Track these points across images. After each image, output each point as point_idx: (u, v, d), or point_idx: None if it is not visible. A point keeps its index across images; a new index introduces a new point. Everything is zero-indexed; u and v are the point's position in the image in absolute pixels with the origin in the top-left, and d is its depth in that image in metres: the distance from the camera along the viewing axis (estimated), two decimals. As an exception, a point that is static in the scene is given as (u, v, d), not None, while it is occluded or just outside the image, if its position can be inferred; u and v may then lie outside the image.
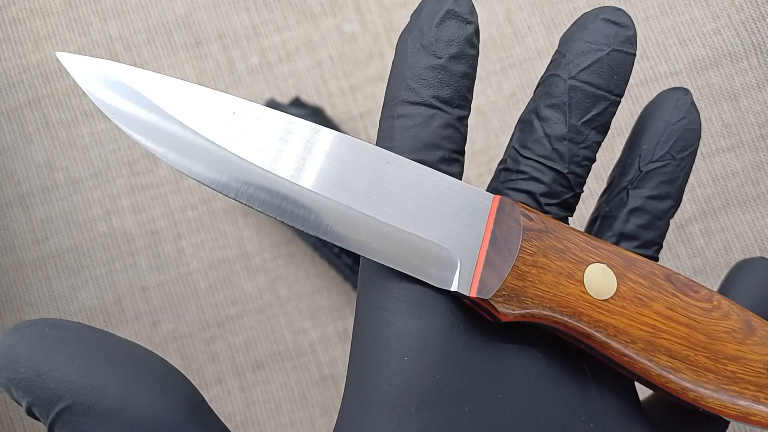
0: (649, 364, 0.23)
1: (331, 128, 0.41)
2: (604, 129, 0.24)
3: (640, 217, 0.25)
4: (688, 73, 0.41)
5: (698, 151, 0.41)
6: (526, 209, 0.23)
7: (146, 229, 0.41)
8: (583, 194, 0.41)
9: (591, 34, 0.24)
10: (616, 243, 0.25)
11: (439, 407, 0.21)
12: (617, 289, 0.23)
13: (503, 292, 0.22)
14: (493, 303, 0.22)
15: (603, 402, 0.24)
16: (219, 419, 0.23)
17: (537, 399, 0.23)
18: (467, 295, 0.22)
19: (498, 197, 0.23)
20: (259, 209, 0.22)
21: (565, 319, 0.22)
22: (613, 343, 0.23)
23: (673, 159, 0.25)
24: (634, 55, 0.25)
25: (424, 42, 0.23)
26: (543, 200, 0.24)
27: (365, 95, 0.42)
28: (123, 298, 0.40)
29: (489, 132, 0.41)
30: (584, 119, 0.24)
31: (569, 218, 0.25)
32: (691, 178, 0.41)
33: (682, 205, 0.40)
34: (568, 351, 0.24)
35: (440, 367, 0.22)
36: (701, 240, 0.41)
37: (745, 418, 0.23)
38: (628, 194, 0.25)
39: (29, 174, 0.41)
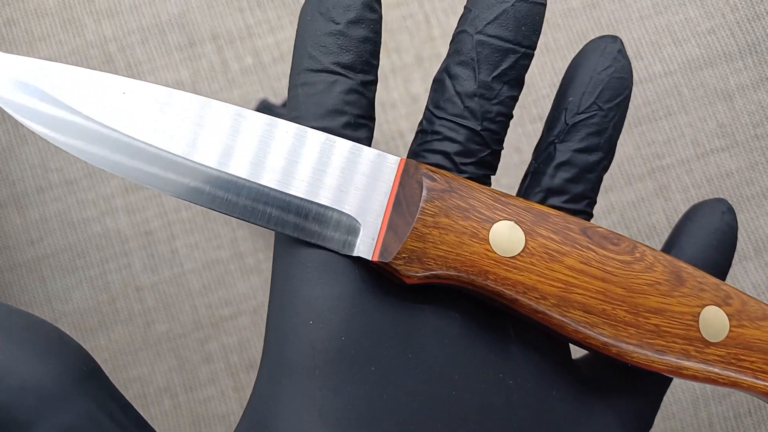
0: (563, 319, 0.23)
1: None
2: (517, 83, 0.24)
3: (567, 171, 0.25)
4: (683, 72, 0.41)
5: (693, 152, 0.41)
6: (430, 170, 0.23)
7: (140, 229, 0.41)
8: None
9: None
10: (545, 198, 0.25)
11: (344, 368, 0.22)
12: (525, 246, 0.23)
13: (403, 255, 0.22)
14: (394, 266, 0.22)
15: (526, 360, 0.24)
16: (117, 391, 0.23)
17: (450, 357, 0.23)
18: (370, 259, 0.22)
19: (403, 160, 0.23)
20: (158, 189, 0.22)
21: (472, 278, 0.22)
22: (524, 300, 0.23)
23: (600, 109, 0.25)
24: (543, 5, 0.24)
25: (321, 9, 0.23)
26: (458, 159, 0.24)
27: (359, 95, 0.42)
28: (117, 298, 0.40)
29: (483, 132, 0.41)
30: (494, 74, 0.23)
31: (491, 177, 0.25)
32: (685, 179, 0.41)
33: (675, 204, 0.40)
34: (490, 311, 0.24)
35: (345, 329, 0.22)
36: (695, 240, 0.40)
37: (677, 372, 0.23)
38: (555, 148, 0.25)
39: (24, 175, 0.41)
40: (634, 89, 0.41)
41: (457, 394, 0.23)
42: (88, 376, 0.22)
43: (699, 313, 0.23)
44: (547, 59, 0.41)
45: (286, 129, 0.23)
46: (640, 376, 0.25)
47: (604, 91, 0.25)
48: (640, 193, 0.41)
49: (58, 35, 0.42)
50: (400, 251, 0.22)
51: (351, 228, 0.22)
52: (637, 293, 0.23)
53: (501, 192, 0.23)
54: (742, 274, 0.40)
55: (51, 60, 0.41)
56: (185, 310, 0.40)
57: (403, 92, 0.42)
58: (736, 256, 0.40)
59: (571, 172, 0.25)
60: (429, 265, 0.22)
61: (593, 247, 0.23)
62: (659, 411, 0.39)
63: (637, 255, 0.23)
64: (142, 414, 0.39)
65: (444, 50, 0.42)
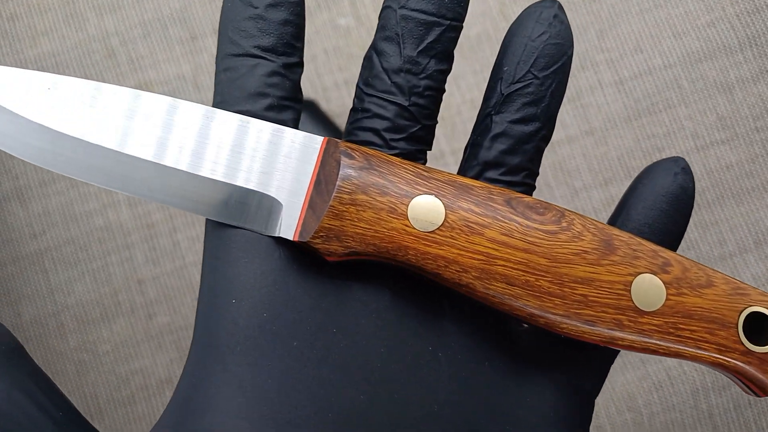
0: (487, 292, 0.23)
1: (324, 122, 0.41)
2: (444, 57, 0.24)
3: (503, 142, 0.24)
4: (683, 65, 0.41)
5: (693, 144, 0.41)
6: (350, 148, 0.23)
7: (142, 222, 0.41)
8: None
9: None
10: (482, 171, 0.24)
11: (264, 344, 0.22)
12: (445, 220, 0.22)
13: (321, 234, 0.22)
14: (313, 245, 0.22)
15: (459, 332, 0.24)
16: (42, 373, 0.23)
17: (378, 331, 0.23)
18: (291, 239, 0.23)
19: (326, 139, 0.23)
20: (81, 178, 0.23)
21: (392, 254, 0.22)
22: (446, 274, 0.22)
23: (536, 78, 0.24)
24: None
25: None
26: (388, 136, 0.24)
27: (360, 89, 0.42)
28: (119, 291, 0.41)
29: (483, 125, 0.41)
30: (420, 48, 0.23)
31: (427, 152, 0.25)
32: (686, 171, 0.41)
33: (676, 197, 0.41)
34: (426, 286, 0.24)
35: (267, 306, 0.22)
36: (695, 233, 0.41)
37: (611, 343, 0.23)
38: (491, 120, 0.24)
39: (27, 168, 0.41)
40: (634, 82, 0.41)
41: (383, 366, 0.23)
42: (7, 355, 0.23)
43: (631, 282, 0.23)
44: (547, 52, 0.42)
45: (207, 115, 0.23)
46: (582, 347, 0.25)
47: (539, 58, 0.24)
48: (640, 185, 0.41)
49: (60, 30, 0.42)
50: (317, 230, 0.22)
51: (273, 209, 0.23)
52: (562, 263, 0.22)
53: (425, 167, 0.23)
54: (743, 265, 0.40)
55: (54, 55, 0.42)
56: (187, 303, 0.41)
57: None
58: (736, 247, 0.40)
59: (507, 144, 0.24)
60: (348, 242, 0.22)
61: (516, 218, 0.23)
62: (659, 403, 0.39)
63: (564, 224, 0.23)
64: (144, 406, 0.40)
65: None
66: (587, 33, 0.42)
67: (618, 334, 0.23)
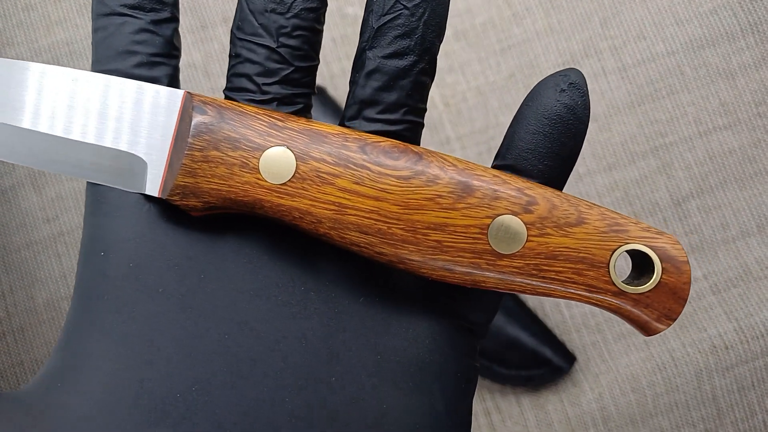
0: (342, 241, 0.22)
1: (333, 108, 0.42)
2: None
3: (377, 79, 0.23)
4: (685, 52, 0.42)
5: (695, 130, 0.41)
6: (203, 101, 0.23)
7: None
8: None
9: None
10: (359, 111, 0.24)
11: (131, 291, 0.23)
12: (296, 171, 0.22)
13: (177, 191, 0.23)
14: (172, 201, 0.23)
15: (335, 272, 0.24)
16: None
17: (247, 274, 0.24)
18: (156, 196, 0.23)
19: (185, 93, 0.23)
20: None
21: (249, 207, 0.23)
22: (302, 225, 0.23)
23: (405, 8, 0.23)
24: None
25: None
26: (260, 81, 0.23)
27: (367, 76, 0.42)
28: (131, 274, 0.41)
29: (488, 112, 0.42)
30: None
31: (311, 95, 0.24)
32: (688, 156, 0.41)
33: (678, 182, 0.41)
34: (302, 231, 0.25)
35: (133, 258, 0.23)
36: (698, 217, 0.41)
37: (476, 284, 0.22)
38: (365, 56, 0.24)
39: (41, 154, 0.42)
40: (637, 69, 0.42)
41: (249, 306, 0.23)
42: None
43: (488, 225, 0.22)
44: (551, 40, 0.42)
45: (73, 77, 0.23)
46: (461, 290, 0.25)
47: None
48: (643, 170, 0.41)
49: (74, 19, 0.43)
50: (173, 188, 0.23)
51: (138, 168, 0.23)
52: (414, 209, 0.22)
53: (281, 115, 0.23)
54: (745, 249, 0.41)
55: (68, 43, 0.42)
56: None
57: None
58: (739, 231, 0.41)
59: (381, 81, 0.23)
60: (205, 198, 0.23)
61: (369, 165, 0.22)
62: (662, 384, 0.39)
63: (419, 168, 0.22)
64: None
65: (449, 31, 0.42)
66: (591, 21, 0.42)
67: (479, 276, 0.22)
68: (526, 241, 0.22)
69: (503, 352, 0.39)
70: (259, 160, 0.22)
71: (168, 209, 0.24)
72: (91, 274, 0.23)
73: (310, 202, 0.22)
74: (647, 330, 0.23)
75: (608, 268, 0.22)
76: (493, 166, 0.24)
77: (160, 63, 0.24)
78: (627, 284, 0.22)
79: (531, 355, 0.39)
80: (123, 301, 0.23)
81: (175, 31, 0.24)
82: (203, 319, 0.23)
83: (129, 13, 0.24)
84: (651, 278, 0.22)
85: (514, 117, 0.24)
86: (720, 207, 0.41)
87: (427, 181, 0.22)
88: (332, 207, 0.22)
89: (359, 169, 0.22)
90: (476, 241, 0.22)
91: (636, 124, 0.42)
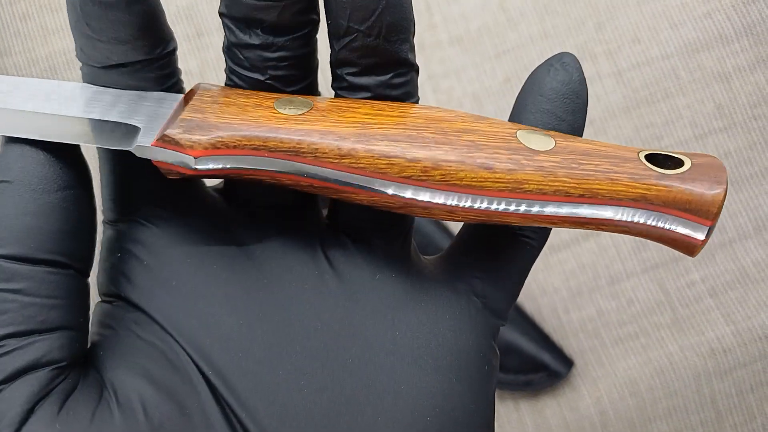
0: (370, 155, 0.21)
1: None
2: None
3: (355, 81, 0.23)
4: (680, 56, 0.42)
5: (691, 133, 0.41)
6: (215, 85, 0.23)
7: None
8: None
9: None
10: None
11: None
12: (313, 107, 0.22)
13: (181, 125, 0.21)
14: (172, 137, 0.21)
15: (348, 255, 0.24)
16: None
17: (259, 264, 0.24)
18: (149, 144, 0.22)
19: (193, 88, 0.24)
20: None
21: (263, 140, 0.21)
22: (324, 145, 0.21)
23: (359, 31, 0.22)
24: None
25: None
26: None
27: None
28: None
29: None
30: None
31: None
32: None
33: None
34: (310, 221, 0.25)
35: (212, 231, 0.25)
36: (695, 219, 0.41)
37: (517, 186, 0.21)
38: (336, 73, 0.23)
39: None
40: (633, 73, 0.42)
41: (264, 294, 0.24)
42: None
43: (515, 132, 0.22)
44: (546, 44, 0.42)
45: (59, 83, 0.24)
46: (493, 262, 0.25)
47: None
48: (640, 174, 0.41)
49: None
50: (177, 122, 0.22)
51: (131, 132, 0.22)
52: (439, 120, 0.22)
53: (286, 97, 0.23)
54: (743, 252, 0.41)
55: (65, 53, 0.43)
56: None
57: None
58: (736, 234, 0.41)
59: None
60: (213, 132, 0.21)
61: (389, 102, 0.23)
62: (661, 388, 0.39)
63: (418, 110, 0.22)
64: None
65: (444, 37, 0.43)
66: (585, 25, 0.42)
67: (521, 175, 0.21)
68: (555, 144, 0.21)
69: (501, 357, 0.39)
70: (273, 102, 0.22)
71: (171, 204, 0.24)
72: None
73: (333, 123, 0.21)
74: (703, 204, 0.20)
75: (641, 161, 0.21)
76: None
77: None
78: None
79: (529, 360, 0.39)
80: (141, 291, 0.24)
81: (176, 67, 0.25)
82: (218, 307, 0.24)
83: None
84: (683, 165, 0.21)
85: (513, 105, 0.24)
86: (717, 210, 0.41)
87: (446, 108, 0.22)
88: (356, 125, 0.21)
89: (379, 103, 0.22)
90: (508, 141, 0.21)
91: (632, 128, 0.42)
